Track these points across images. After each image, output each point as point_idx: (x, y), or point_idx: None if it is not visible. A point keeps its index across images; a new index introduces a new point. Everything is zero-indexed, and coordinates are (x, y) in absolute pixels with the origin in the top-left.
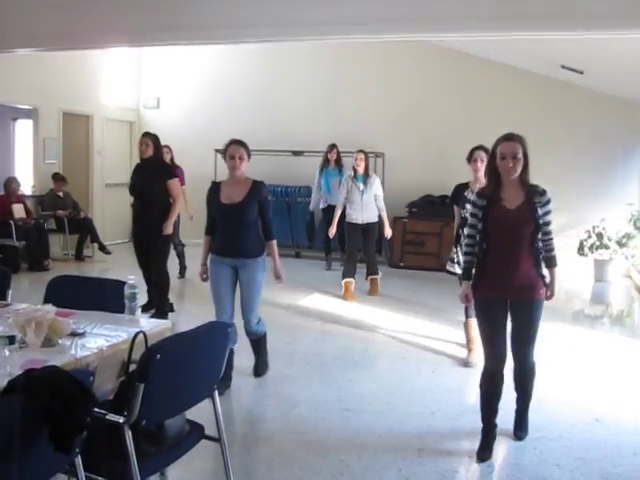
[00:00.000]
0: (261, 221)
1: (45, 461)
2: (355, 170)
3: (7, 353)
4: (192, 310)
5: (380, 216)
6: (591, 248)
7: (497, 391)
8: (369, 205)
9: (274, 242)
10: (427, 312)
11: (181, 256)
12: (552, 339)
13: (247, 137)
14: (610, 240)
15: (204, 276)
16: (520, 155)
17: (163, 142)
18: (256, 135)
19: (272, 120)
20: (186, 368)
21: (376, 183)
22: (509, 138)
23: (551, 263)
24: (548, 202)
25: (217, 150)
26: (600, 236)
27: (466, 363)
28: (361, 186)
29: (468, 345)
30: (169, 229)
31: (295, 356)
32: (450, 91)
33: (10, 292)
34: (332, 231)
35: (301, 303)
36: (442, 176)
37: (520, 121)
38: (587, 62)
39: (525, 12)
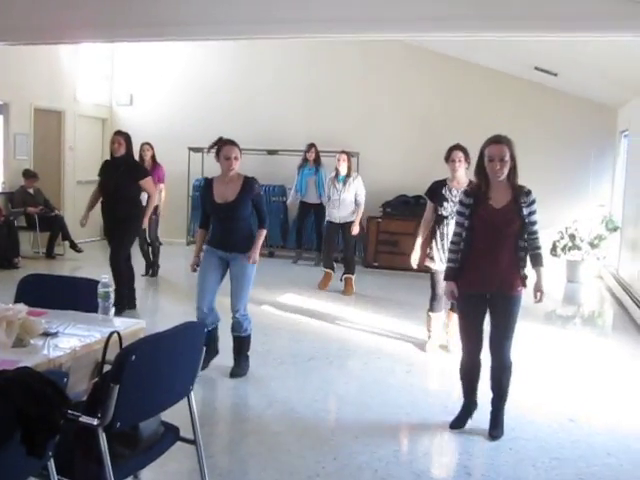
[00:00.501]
0: (256, 214)
1: (16, 465)
2: (337, 170)
3: None
4: (166, 309)
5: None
6: (564, 249)
7: (476, 376)
8: (346, 205)
9: (264, 231)
10: (401, 312)
11: (156, 255)
12: (525, 339)
13: (221, 134)
14: (582, 241)
15: (195, 267)
16: (507, 158)
17: (138, 140)
18: (231, 133)
19: (247, 118)
20: (162, 369)
21: (356, 183)
22: (497, 141)
23: (537, 261)
24: (533, 202)
25: (191, 148)
26: (572, 237)
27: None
28: (340, 186)
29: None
30: (146, 223)
31: (269, 356)
32: (426, 91)
33: None
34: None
35: (275, 303)
36: (416, 176)
37: (494, 121)
38: (561, 64)
39: (498, 14)
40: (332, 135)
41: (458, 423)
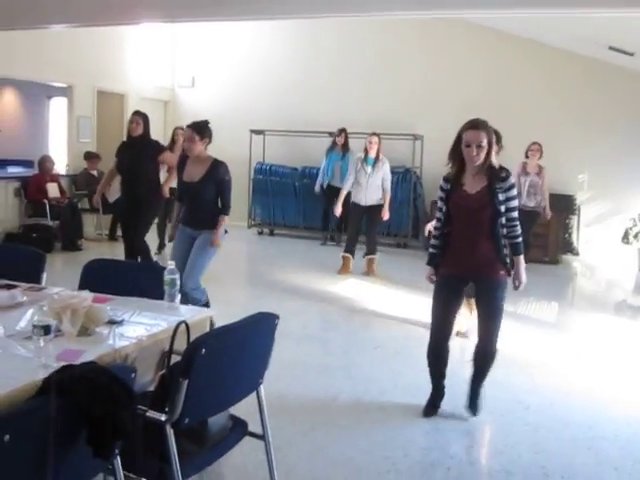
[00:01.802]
0: (220, 200)
1: (82, 466)
2: (366, 152)
3: (42, 344)
4: (232, 291)
5: (384, 198)
6: (636, 236)
7: (443, 361)
8: (374, 188)
9: (225, 217)
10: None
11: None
12: (595, 330)
13: (283, 118)
14: None
15: (172, 238)
16: (484, 143)
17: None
18: (292, 116)
19: (308, 101)
20: (232, 362)
21: (385, 167)
22: (474, 126)
23: (516, 250)
24: (511, 187)
25: (253, 130)
26: None
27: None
28: (369, 169)
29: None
30: (166, 192)
31: (334, 344)
32: (490, 71)
33: (44, 275)
34: (337, 210)
35: (336, 288)
36: None
37: (562, 103)
38: (637, 43)
39: None
40: (395, 118)
41: (429, 411)
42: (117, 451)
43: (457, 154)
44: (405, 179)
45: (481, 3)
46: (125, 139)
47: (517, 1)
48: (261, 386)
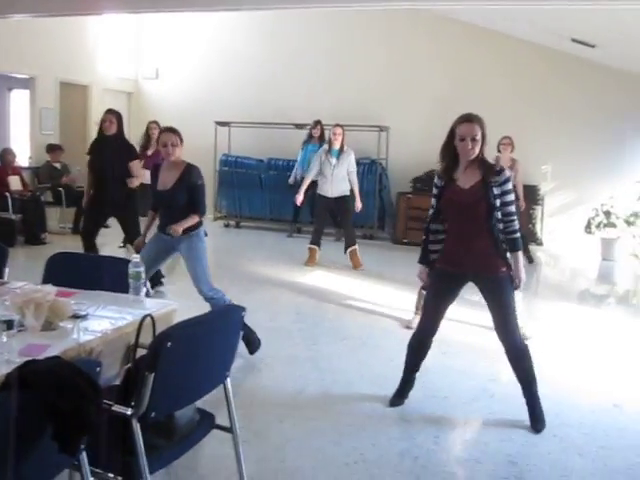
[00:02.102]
0: (192, 203)
1: (48, 461)
2: (331, 144)
3: (5, 339)
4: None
5: (352, 190)
6: (598, 226)
7: (423, 355)
8: (339, 179)
9: (195, 217)
10: None
11: None
12: (558, 318)
13: (249, 109)
14: (618, 218)
15: (139, 248)
16: (479, 137)
17: (161, 114)
18: (258, 107)
19: (274, 92)
20: (198, 355)
21: (350, 158)
22: (468, 119)
23: (513, 246)
24: (506, 181)
25: (218, 122)
26: (608, 214)
27: (407, 326)
28: (333, 161)
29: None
30: (134, 182)
31: (302, 335)
32: (457, 64)
33: (7, 270)
34: (299, 198)
35: (304, 280)
36: None
37: (527, 95)
38: (599, 35)
39: None
40: (361, 110)
41: (396, 401)
42: (83, 446)
43: (450, 149)
44: (371, 170)
45: None
46: (97, 136)
47: None
48: (228, 379)
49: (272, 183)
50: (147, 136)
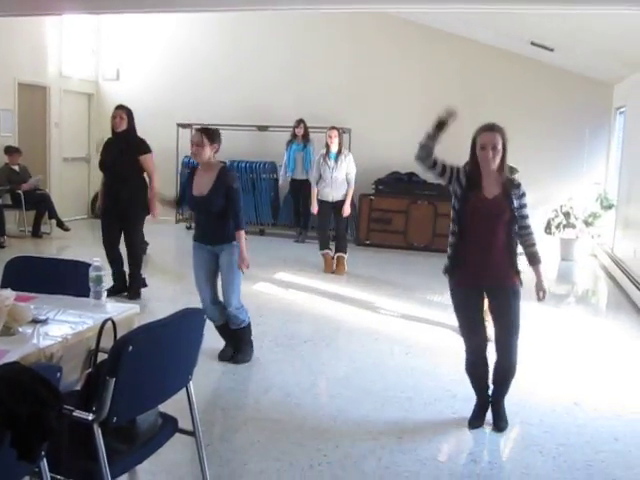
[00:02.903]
0: (230, 209)
1: (7, 468)
2: (328, 147)
3: None
4: (157, 291)
5: (346, 192)
6: (558, 227)
7: (484, 374)
8: (339, 183)
9: (241, 232)
10: (396, 291)
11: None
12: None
13: (210, 111)
14: (577, 219)
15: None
16: (500, 146)
17: None
18: (220, 109)
19: (237, 94)
20: (160, 359)
21: (348, 160)
22: (490, 129)
23: (534, 260)
24: (523, 195)
25: (180, 124)
26: (567, 215)
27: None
28: (332, 164)
29: None
30: (157, 211)
31: (264, 338)
32: (417, 67)
33: None
34: (314, 209)
35: (267, 283)
36: (409, 153)
37: (487, 98)
38: (558, 39)
39: None
40: (322, 111)
41: (475, 423)
42: (43, 453)
43: (473, 158)
44: None
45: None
46: (110, 135)
47: None
48: (190, 382)
49: None
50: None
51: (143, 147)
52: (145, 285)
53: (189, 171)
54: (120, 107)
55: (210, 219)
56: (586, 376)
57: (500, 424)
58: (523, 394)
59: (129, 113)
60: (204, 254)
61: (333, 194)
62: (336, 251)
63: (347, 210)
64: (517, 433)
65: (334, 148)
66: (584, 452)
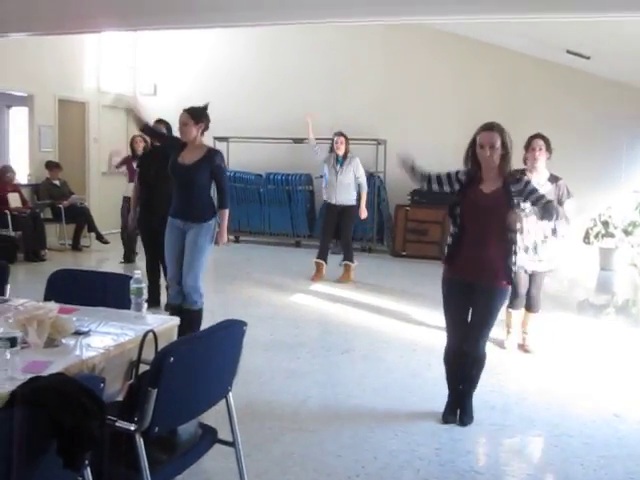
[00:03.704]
0: (216, 190)
1: (52, 477)
2: (335, 152)
3: (8, 356)
4: None
5: (359, 196)
6: (597, 236)
7: (460, 364)
8: (344, 186)
9: (225, 211)
10: (433, 303)
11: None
12: (558, 329)
13: (247, 124)
14: (616, 228)
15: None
16: (498, 145)
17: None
18: (256, 122)
19: (272, 107)
20: (201, 370)
21: (354, 163)
22: (488, 128)
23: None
24: (527, 183)
25: (216, 137)
26: (606, 224)
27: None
28: (338, 168)
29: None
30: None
31: (301, 349)
32: (453, 76)
33: (8, 287)
34: (363, 214)
35: (303, 294)
36: (446, 164)
37: (523, 107)
38: (594, 47)
39: None
40: (357, 122)
41: (448, 417)
42: (87, 462)
43: (473, 157)
44: (369, 184)
45: (451, 10)
46: (150, 149)
47: (486, 8)
48: (230, 393)
49: (271, 197)
50: (132, 149)
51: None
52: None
53: (179, 144)
54: (159, 121)
55: (188, 194)
56: (626, 387)
57: (464, 419)
58: (562, 405)
59: (168, 126)
60: (175, 232)
61: (337, 197)
62: (344, 259)
63: (364, 213)
64: (556, 444)
65: (340, 153)
66: (626, 465)
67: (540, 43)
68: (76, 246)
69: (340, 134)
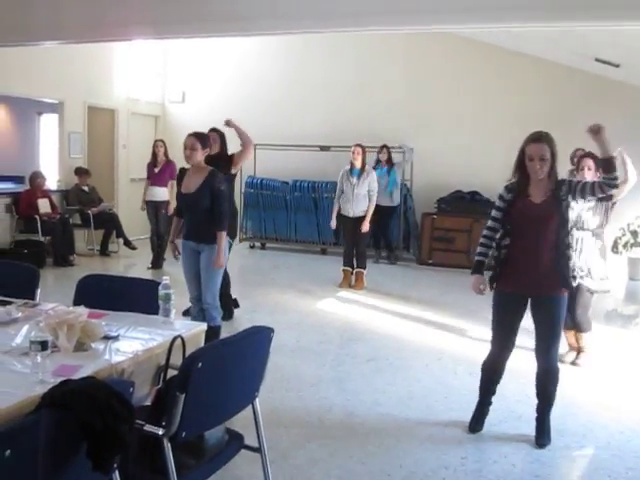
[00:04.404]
0: (213, 209)
1: (82, 479)
2: (352, 164)
3: (39, 359)
4: None
5: (367, 209)
6: (625, 246)
7: (497, 377)
8: (360, 198)
9: (222, 234)
10: (459, 311)
11: (163, 249)
12: (587, 339)
13: (274, 132)
14: None
15: (176, 253)
16: (548, 156)
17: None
18: (283, 130)
19: (299, 115)
20: (228, 376)
21: (370, 177)
22: (537, 139)
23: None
24: (570, 180)
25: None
26: (635, 234)
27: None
28: (354, 180)
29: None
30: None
31: (327, 357)
32: (480, 85)
33: (39, 291)
34: (332, 224)
35: (328, 302)
36: (472, 172)
37: (552, 117)
38: (623, 54)
39: (558, 2)
40: (384, 130)
41: (475, 426)
42: (116, 465)
43: (522, 167)
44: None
45: (475, 18)
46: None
47: (514, 16)
48: (257, 399)
49: (297, 204)
50: (153, 154)
51: (230, 159)
52: (237, 305)
53: (178, 173)
54: (213, 130)
55: (196, 218)
56: None
57: (542, 440)
58: (590, 416)
59: (222, 135)
60: (188, 251)
61: (354, 210)
62: (357, 266)
63: (366, 226)
64: (585, 455)
65: (357, 164)
66: None
67: (568, 51)
68: (104, 251)
69: (358, 145)
